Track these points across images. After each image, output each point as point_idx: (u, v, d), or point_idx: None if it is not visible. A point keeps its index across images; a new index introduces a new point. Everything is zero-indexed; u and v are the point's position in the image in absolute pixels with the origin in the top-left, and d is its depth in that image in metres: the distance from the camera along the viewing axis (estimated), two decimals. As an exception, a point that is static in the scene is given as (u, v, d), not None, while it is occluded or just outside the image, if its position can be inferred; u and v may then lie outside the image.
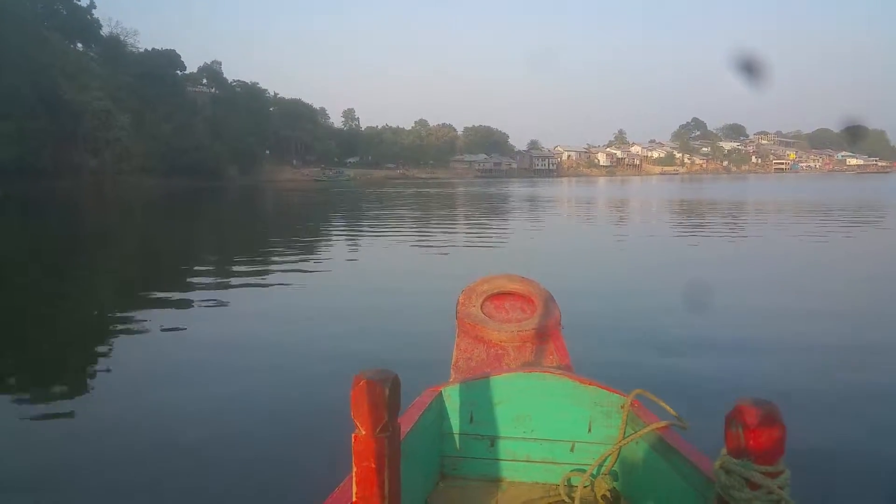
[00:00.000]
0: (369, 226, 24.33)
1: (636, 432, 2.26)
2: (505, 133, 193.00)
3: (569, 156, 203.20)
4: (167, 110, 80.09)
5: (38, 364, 6.51)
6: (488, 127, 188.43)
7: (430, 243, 17.17)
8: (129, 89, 75.00)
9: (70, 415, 4.93)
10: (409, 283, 10.88)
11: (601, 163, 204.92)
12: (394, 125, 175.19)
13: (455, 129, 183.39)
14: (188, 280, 11.66)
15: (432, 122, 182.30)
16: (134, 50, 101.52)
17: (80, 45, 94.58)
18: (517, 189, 71.18)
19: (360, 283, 11.13)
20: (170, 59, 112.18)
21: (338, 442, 2.11)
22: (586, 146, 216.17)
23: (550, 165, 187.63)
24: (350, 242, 18.66)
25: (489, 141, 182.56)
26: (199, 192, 61.42)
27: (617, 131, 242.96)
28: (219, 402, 5.11)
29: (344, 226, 25.59)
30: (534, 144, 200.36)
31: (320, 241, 19.30)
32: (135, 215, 34.99)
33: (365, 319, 8.00)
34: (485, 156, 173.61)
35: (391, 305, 8.91)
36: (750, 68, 5.16)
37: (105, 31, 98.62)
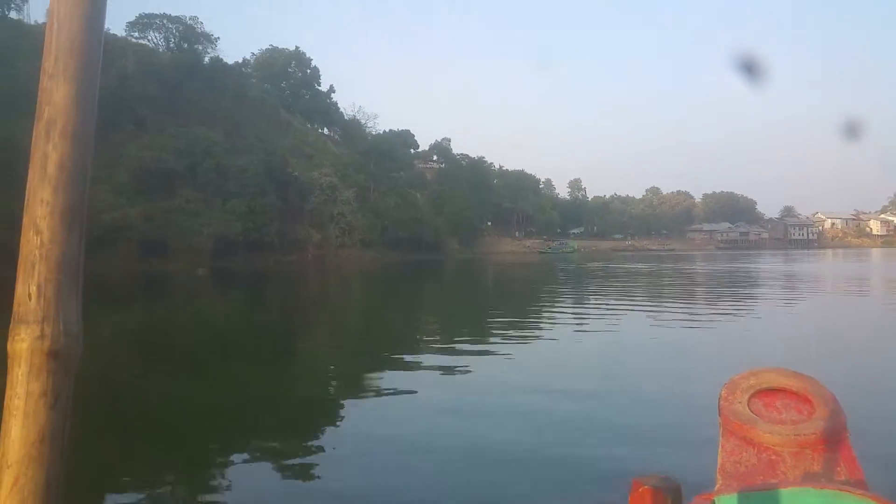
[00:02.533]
0: (596, 298, 23.87)
1: None
2: (751, 199, 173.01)
3: (832, 224, 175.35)
4: (391, 185, 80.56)
5: (277, 422, 7.49)
6: (731, 193, 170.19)
7: (668, 323, 16.19)
8: (356, 166, 76.51)
9: (312, 476, 5.56)
10: (644, 364, 10.54)
11: (874, 231, 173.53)
12: (623, 194, 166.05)
13: (692, 196, 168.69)
14: (414, 347, 13.02)
15: (665, 190, 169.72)
16: (372, 131, 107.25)
17: (325, 128, 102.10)
18: (771, 263, 62.44)
19: (585, 360, 11.14)
20: (404, 139, 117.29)
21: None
22: (854, 212, 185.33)
23: (809, 235, 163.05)
24: (576, 317, 18.21)
25: (732, 208, 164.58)
26: (418, 264, 62.19)
27: (893, 194, 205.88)
28: (456, 472, 5.47)
29: (569, 299, 25.11)
30: (788, 211, 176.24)
31: (544, 314, 19.46)
32: (357, 287, 37.24)
33: (597, 401, 7.95)
34: (728, 224, 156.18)
35: (626, 386, 8.76)
36: None
37: (349, 114, 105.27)
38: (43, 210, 0.97)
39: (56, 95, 1.24)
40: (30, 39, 63.09)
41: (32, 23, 70.29)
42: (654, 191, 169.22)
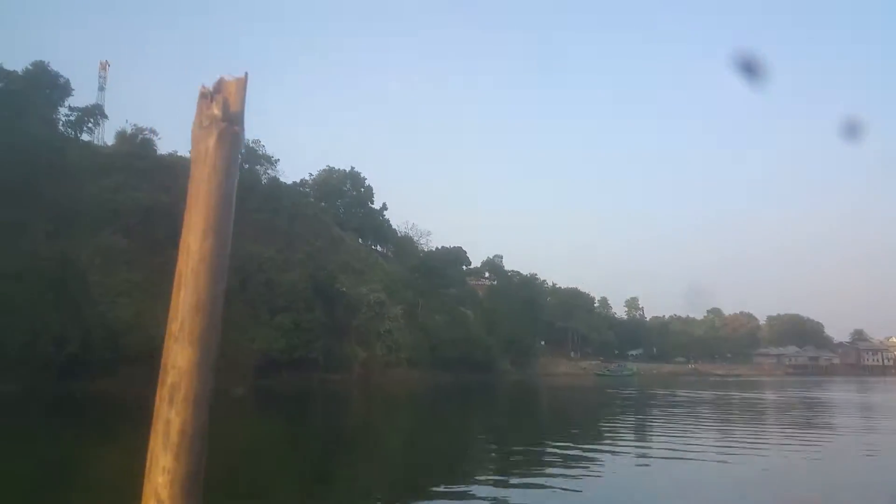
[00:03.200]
0: (661, 427, 22.84)
1: None
2: (818, 322, 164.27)
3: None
4: (440, 302, 79.12)
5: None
6: (797, 315, 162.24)
7: (746, 460, 15.00)
8: (405, 282, 75.78)
9: None
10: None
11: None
12: (683, 315, 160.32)
13: (756, 318, 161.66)
14: (464, 478, 12.79)
15: (727, 311, 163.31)
16: (424, 247, 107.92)
17: (378, 245, 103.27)
18: (847, 391, 58.65)
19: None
20: (456, 255, 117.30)
21: None
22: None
23: (885, 361, 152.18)
24: (638, 448, 17.56)
25: (799, 331, 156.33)
26: (468, 386, 59.90)
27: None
28: None
29: (632, 428, 24.03)
30: (859, 335, 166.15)
31: (604, 443, 18.74)
32: (404, 410, 36.31)
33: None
34: (795, 348, 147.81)
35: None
36: None
37: (402, 231, 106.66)
38: (164, 478, 1.10)
39: (180, 359, 1.37)
40: (97, 160, 66.59)
41: (101, 144, 74.62)
42: (716, 311, 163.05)
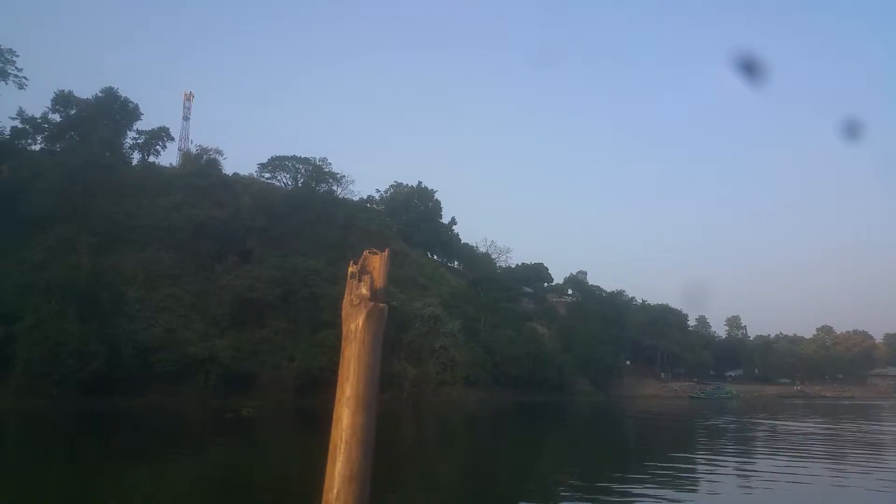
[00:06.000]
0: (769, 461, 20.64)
1: None
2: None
3: None
4: (505, 317, 74.41)
5: None
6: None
7: None
8: (465, 296, 71.74)
9: None
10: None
11: None
12: (789, 333, 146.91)
13: (871, 337, 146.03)
14: None
15: (840, 330, 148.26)
16: (503, 265, 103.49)
17: (455, 262, 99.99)
18: None
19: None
20: (538, 272, 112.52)
21: None
22: None
23: None
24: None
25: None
26: (535, 408, 55.73)
27: None
28: None
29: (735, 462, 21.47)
30: None
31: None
32: (458, 437, 33.85)
33: None
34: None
35: None
36: None
37: (481, 250, 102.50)
38: None
39: None
40: (159, 180, 67.42)
41: (167, 165, 75.99)
42: (826, 330, 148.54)
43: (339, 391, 1.79)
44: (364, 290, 1.83)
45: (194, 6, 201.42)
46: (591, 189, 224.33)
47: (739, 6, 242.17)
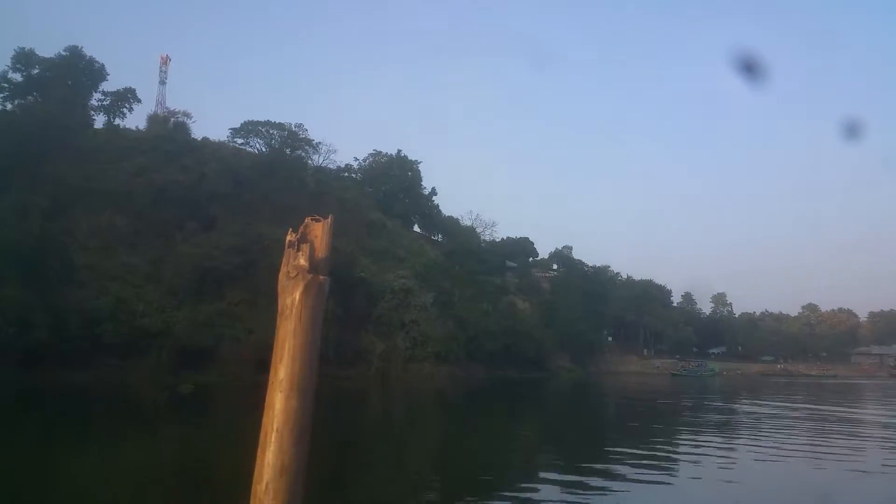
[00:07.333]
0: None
1: None
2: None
3: None
4: (480, 290, 72.46)
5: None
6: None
7: None
8: (440, 269, 69.65)
9: None
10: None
11: None
12: (775, 311, 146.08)
13: (856, 315, 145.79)
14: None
15: (825, 308, 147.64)
16: (487, 238, 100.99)
17: (438, 234, 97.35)
18: None
19: None
20: (523, 247, 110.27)
21: None
22: None
23: None
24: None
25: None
26: (506, 383, 54.22)
27: None
28: None
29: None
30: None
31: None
32: (422, 411, 33.74)
33: None
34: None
35: None
36: None
37: (465, 222, 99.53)
38: None
39: None
40: (122, 143, 64.66)
41: (133, 128, 73.08)
42: (812, 308, 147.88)
43: (272, 373, 1.66)
44: (302, 261, 1.69)
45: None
46: (580, 161, 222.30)
47: (739, 6, 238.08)
